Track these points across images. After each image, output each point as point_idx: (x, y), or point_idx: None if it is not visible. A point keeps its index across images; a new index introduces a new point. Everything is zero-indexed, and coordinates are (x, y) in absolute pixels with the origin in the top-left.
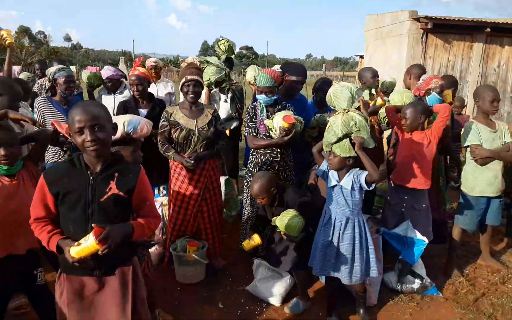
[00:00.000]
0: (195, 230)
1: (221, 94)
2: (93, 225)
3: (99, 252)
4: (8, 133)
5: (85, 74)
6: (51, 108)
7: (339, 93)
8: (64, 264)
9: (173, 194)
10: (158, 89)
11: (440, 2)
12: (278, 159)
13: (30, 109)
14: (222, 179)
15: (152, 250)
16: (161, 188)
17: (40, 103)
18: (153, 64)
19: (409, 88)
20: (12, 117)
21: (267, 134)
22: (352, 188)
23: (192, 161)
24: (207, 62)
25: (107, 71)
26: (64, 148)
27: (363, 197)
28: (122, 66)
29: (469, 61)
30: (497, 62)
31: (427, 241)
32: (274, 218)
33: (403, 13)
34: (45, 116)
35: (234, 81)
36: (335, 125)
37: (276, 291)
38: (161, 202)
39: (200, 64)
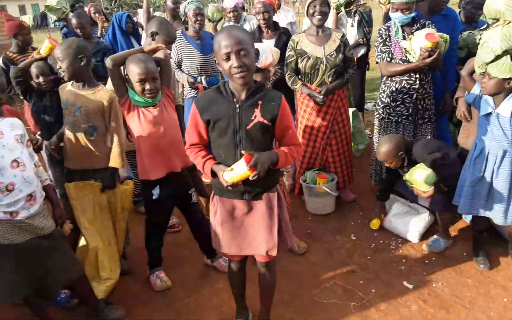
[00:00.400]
0: (323, 163)
1: (348, 17)
2: (242, 152)
3: (250, 178)
4: (154, 67)
5: (209, 10)
6: (186, 44)
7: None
8: (218, 187)
9: (301, 127)
10: (279, 19)
11: None
12: (417, 86)
13: None
14: (350, 111)
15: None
16: None
17: (177, 40)
18: None
19: None
20: (147, 49)
21: (404, 58)
22: None
23: (322, 96)
24: None
25: (230, 2)
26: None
27: None
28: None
29: None
30: None
31: None
32: (404, 176)
33: None
34: (182, 53)
35: (362, 2)
36: (492, 41)
37: (413, 227)
38: None
39: None
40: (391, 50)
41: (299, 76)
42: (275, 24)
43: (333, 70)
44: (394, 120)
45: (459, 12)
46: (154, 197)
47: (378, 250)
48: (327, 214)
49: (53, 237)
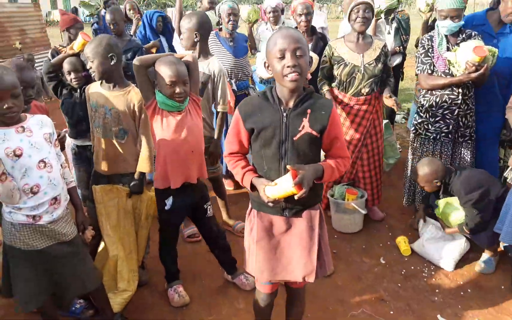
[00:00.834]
0: (353, 177)
1: (386, 24)
2: (288, 167)
3: (295, 197)
4: (185, 71)
5: (245, 11)
6: (218, 45)
7: None
8: (256, 201)
9: None
10: None
11: None
12: (459, 101)
13: None
14: None
15: None
16: None
17: (209, 40)
18: None
19: None
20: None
21: (447, 71)
22: None
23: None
24: None
25: (270, 2)
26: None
27: None
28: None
29: None
30: None
31: None
32: (437, 201)
33: None
34: (214, 54)
35: (400, 9)
36: None
37: (448, 254)
38: None
39: None
40: (433, 62)
41: (335, 83)
42: (313, 28)
43: (370, 80)
44: (432, 137)
45: None
46: (166, 208)
47: (409, 276)
48: (354, 232)
49: (74, 243)
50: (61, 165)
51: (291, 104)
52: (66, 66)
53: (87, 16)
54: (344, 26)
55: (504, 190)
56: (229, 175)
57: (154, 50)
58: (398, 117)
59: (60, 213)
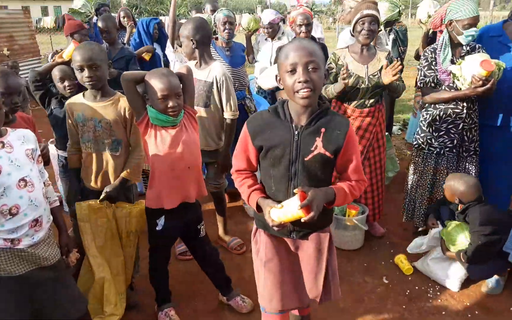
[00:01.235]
0: None
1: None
2: (295, 191)
3: (302, 220)
4: (178, 83)
5: (245, 19)
6: (214, 54)
7: None
8: (262, 220)
9: None
10: None
11: None
12: (464, 115)
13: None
14: None
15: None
16: None
17: None
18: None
19: None
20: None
21: (451, 84)
22: None
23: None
24: None
25: (268, 15)
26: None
27: None
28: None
29: None
30: None
31: None
32: (447, 221)
33: None
34: None
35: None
36: None
37: (454, 274)
38: None
39: None
40: (436, 75)
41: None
42: (312, 38)
43: (374, 91)
44: (435, 152)
45: None
46: (157, 228)
47: (414, 298)
48: (354, 249)
49: (57, 268)
50: (44, 183)
51: (303, 121)
52: (57, 73)
53: None
54: (343, 37)
55: None
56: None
57: (147, 56)
58: (394, 128)
59: (41, 236)
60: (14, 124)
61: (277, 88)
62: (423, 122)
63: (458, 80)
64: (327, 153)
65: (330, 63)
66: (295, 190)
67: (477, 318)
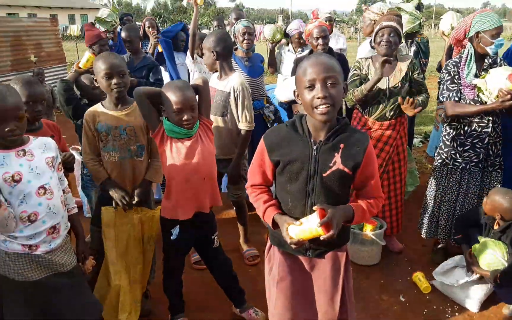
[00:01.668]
0: None
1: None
2: (314, 208)
3: (321, 238)
4: (193, 96)
5: (268, 30)
6: (234, 64)
7: None
8: (277, 237)
9: None
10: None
11: None
12: (489, 129)
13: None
14: None
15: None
16: None
17: None
18: (328, 15)
19: None
20: None
21: (476, 98)
22: None
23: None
24: (398, 8)
25: (298, 25)
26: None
27: None
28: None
29: None
30: None
31: None
32: (480, 237)
33: None
34: None
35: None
36: None
37: (474, 294)
38: None
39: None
40: (460, 89)
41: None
42: (330, 50)
43: (396, 104)
44: (460, 167)
45: None
46: (172, 237)
47: (432, 318)
48: (371, 265)
49: (73, 274)
50: (64, 191)
51: (322, 136)
52: (87, 82)
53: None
54: (363, 49)
55: None
56: None
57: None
58: (415, 141)
59: (58, 243)
60: (41, 131)
61: (294, 101)
62: (447, 137)
63: (483, 93)
64: (346, 169)
65: (355, 70)
66: (314, 208)
67: None
